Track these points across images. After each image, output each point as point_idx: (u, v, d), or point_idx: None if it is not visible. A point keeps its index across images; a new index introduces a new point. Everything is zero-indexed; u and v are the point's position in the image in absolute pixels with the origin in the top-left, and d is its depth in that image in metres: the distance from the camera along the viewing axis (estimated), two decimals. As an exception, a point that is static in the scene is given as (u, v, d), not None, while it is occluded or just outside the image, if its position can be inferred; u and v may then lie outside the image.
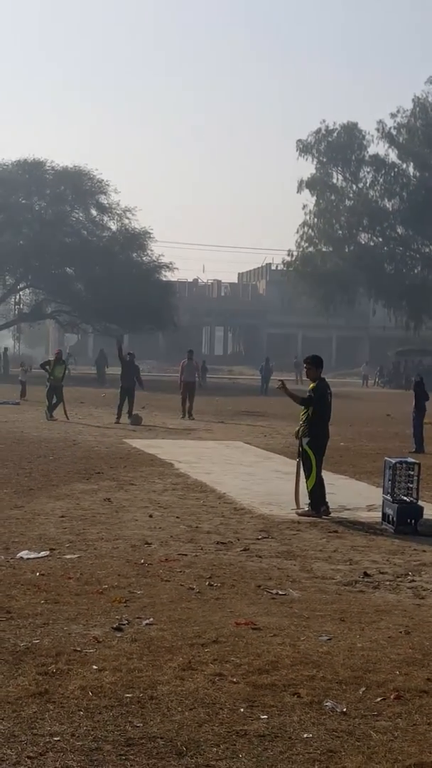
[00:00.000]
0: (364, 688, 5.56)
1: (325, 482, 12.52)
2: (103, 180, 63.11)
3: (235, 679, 5.62)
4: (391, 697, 5.43)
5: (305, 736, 4.84)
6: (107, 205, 63.91)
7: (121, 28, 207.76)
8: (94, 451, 18.55)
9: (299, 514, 12.00)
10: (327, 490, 12.43)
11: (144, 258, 64.04)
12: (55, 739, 4.69)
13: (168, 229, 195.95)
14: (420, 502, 11.54)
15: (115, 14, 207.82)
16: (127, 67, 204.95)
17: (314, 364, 12.70)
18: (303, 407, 12.52)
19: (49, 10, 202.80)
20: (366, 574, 8.76)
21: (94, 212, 64.85)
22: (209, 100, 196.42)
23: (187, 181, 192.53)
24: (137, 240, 63.57)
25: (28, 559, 8.86)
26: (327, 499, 12.23)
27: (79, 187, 62.82)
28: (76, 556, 9.04)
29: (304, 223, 70.12)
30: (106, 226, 65.12)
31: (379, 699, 5.41)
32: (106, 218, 64.79)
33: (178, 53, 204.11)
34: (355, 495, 13.89)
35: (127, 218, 63.60)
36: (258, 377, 51.20)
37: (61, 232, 62.76)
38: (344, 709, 5.22)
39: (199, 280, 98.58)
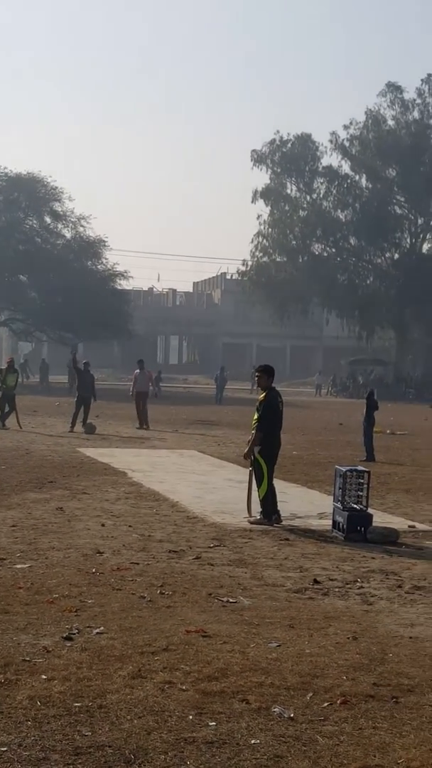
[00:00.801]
0: (311, 694, 5.63)
1: (278, 490, 12.61)
2: (57, 187, 62.91)
3: (184, 687, 5.65)
4: (338, 702, 5.50)
5: (253, 742, 4.89)
6: (61, 213, 63.62)
7: (73, 31, 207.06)
8: (46, 460, 18.49)
9: (251, 522, 12.06)
10: (279, 498, 12.52)
11: (99, 266, 63.81)
12: (2, 749, 4.68)
13: (123, 238, 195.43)
14: (369, 510, 11.67)
15: (67, 18, 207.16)
16: (79, 73, 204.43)
17: (266, 373, 12.80)
18: (254, 415, 12.58)
19: None
20: (316, 581, 8.84)
21: (48, 219, 64.51)
22: (163, 109, 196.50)
23: (141, 189, 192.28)
24: (92, 248, 63.33)
25: (-22, 568, 8.81)
26: (279, 507, 12.31)
27: (32, 194, 62.44)
28: (27, 565, 9.01)
29: (259, 233, 70.51)
30: (61, 234, 64.86)
31: (326, 704, 5.47)
32: (60, 226, 64.51)
33: (132, 60, 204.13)
34: (306, 503, 13.99)
35: (82, 226, 63.38)
36: (213, 386, 51.28)
37: (14, 239, 62.34)
38: (292, 715, 5.27)
39: (154, 289, 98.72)
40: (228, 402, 46.04)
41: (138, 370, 29.38)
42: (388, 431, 29.48)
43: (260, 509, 12.26)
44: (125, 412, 31.75)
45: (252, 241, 70.69)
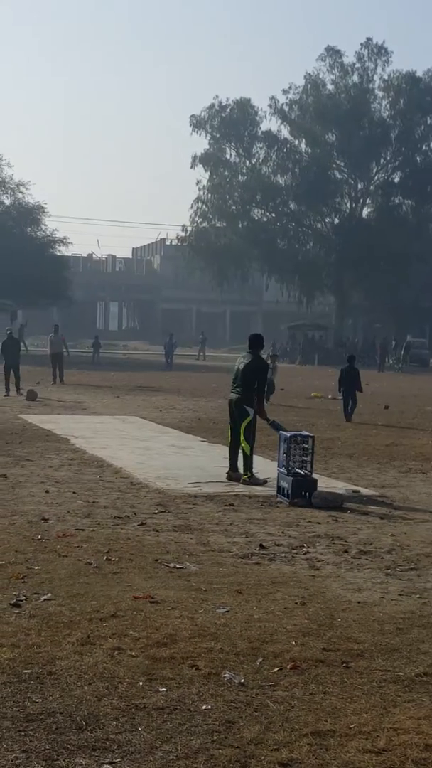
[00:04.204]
0: (261, 659, 5.64)
1: (221, 456, 12.63)
2: (-5, 153, 61.90)
3: (133, 653, 5.64)
4: (288, 667, 5.52)
5: (204, 707, 4.89)
6: (0, 179, 62.77)
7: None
8: (-13, 427, 18.28)
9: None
10: (223, 464, 12.53)
11: (38, 233, 63.31)
12: None
13: (62, 204, 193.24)
14: (314, 475, 11.72)
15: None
16: (15, 37, 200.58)
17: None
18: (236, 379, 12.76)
19: None
20: (262, 547, 8.86)
21: (-14, 186, 63.61)
22: (102, 74, 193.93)
23: (81, 155, 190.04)
24: (31, 214, 62.70)
25: None
26: (226, 472, 12.33)
27: (-29, 161, 61.51)
28: (-30, 533, 8.91)
29: (198, 199, 70.30)
30: (-1, 201, 64.03)
31: (276, 669, 5.49)
32: (-1, 192, 63.66)
33: (73, 21, 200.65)
34: (250, 469, 13.98)
35: (21, 192, 62.72)
36: (161, 353, 51.27)
37: None
38: (242, 680, 5.28)
39: (94, 255, 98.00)
40: (177, 368, 46.08)
41: (52, 334, 33.25)
42: (329, 396, 29.65)
43: (245, 467, 12.53)
44: (67, 378, 31.72)
45: (191, 207, 70.54)
